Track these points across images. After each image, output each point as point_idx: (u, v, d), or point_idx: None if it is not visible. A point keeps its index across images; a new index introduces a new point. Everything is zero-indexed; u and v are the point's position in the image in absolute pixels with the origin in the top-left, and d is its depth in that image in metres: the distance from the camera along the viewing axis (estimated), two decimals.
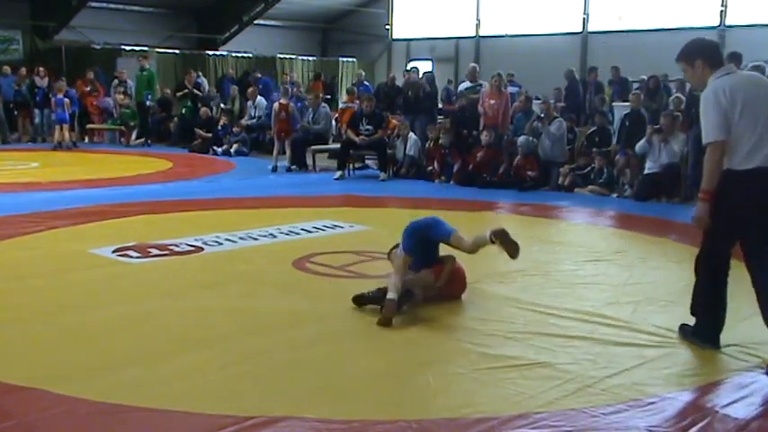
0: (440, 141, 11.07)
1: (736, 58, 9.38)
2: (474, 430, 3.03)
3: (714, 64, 4.02)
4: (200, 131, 14.85)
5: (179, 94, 16.70)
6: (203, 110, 15.41)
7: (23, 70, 16.65)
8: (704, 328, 4.07)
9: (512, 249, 4.51)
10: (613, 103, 13.08)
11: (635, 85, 13.63)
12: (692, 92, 9.82)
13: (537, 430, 3.02)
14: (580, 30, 21.53)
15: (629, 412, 3.19)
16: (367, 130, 11.50)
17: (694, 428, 3.04)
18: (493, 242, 4.53)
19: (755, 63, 8.88)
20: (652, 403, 3.27)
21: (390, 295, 4.42)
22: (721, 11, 19.18)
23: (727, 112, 3.84)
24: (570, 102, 13.46)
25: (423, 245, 4.77)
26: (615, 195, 9.75)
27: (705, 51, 4.06)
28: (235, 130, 14.40)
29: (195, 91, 16.39)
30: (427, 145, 11.38)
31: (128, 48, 20.80)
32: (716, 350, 3.97)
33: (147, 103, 16.80)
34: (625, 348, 3.99)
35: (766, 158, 3.83)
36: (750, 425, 3.08)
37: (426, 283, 4.71)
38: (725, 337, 4.14)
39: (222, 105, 15.59)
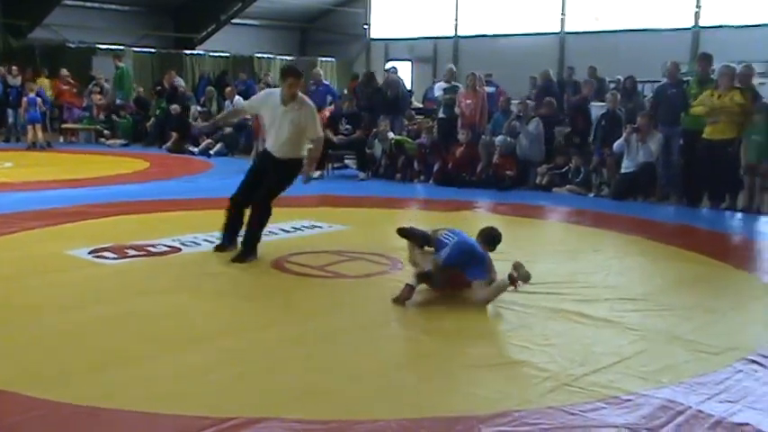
0: (416, 140, 11.18)
1: (707, 59, 9.53)
2: (453, 429, 3.04)
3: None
4: (170, 145, 14.68)
5: (154, 90, 16.57)
6: (173, 107, 15.27)
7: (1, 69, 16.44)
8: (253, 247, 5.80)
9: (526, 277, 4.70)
10: (590, 103, 13.16)
11: (611, 86, 13.72)
12: (659, 92, 9.90)
13: (516, 428, 3.03)
14: (558, 30, 21.68)
15: (607, 410, 3.22)
16: (347, 129, 11.51)
17: (670, 425, 3.08)
18: (513, 283, 4.65)
19: (726, 64, 9.00)
20: (629, 400, 3.31)
21: (411, 281, 4.71)
22: (696, 12, 19.41)
23: None
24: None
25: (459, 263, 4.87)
26: (592, 194, 9.84)
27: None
28: (224, 131, 14.34)
29: (177, 88, 16.16)
30: (385, 147, 11.34)
31: (103, 47, 20.60)
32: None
33: (117, 101, 16.64)
34: (602, 346, 4.02)
35: None
36: (724, 421, 3.13)
37: (433, 267, 4.84)
38: (701, 336, 4.21)
39: (199, 108, 15.45)
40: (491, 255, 4.97)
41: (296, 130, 5.75)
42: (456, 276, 4.87)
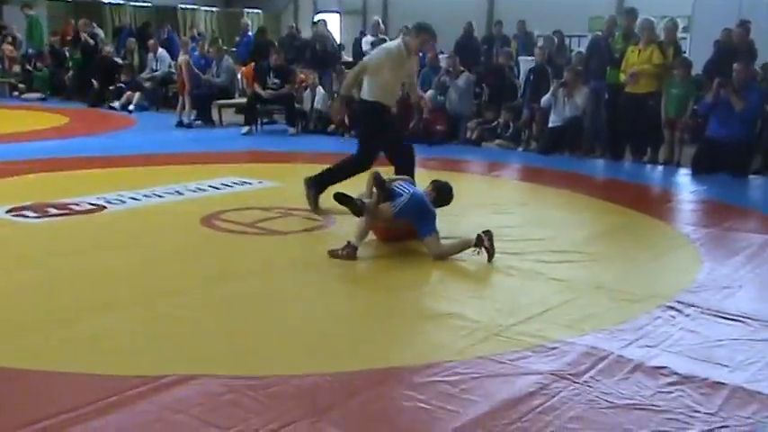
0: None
1: (632, 13, 9.73)
2: (387, 381, 3.09)
3: None
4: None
5: (65, 39, 15.89)
6: (105, 49, 14.68)
7: None
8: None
9: (492, 252, 4.74)
10: (519, 57, 13.25)
11: (539, 40, 13.81)
12: (593, 44, 10.06)
13: (447, 378, 3.11)
14: None
15: (534, 357, 3.33)
16: (275, 83, 11.31)
17: (593, 370, 3.21)
18: (478, 244, 4.70)
19: (646, 17, 9.18)
20: (554, 348, 3.43)
21: (353, 241, 4.67)
22: None
23: None
24: (466, 55, 13.22)
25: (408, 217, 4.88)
26: (521, 149, 10.01)
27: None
28: (146, 85, 13.86)
29: (89, 40, 15.48)
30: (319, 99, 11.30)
31: None
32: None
33: (29, 51, 15.87)
34: (529, 297, 4.14)
35: None
36: (644, 365, 3.28)
37: (385, 215, 4.82)
38: (622, 285, 4.38)
39: (119, 60, 14.88)
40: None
41: (411, 80, 6.27)
42: (403, 228, 4.95)
